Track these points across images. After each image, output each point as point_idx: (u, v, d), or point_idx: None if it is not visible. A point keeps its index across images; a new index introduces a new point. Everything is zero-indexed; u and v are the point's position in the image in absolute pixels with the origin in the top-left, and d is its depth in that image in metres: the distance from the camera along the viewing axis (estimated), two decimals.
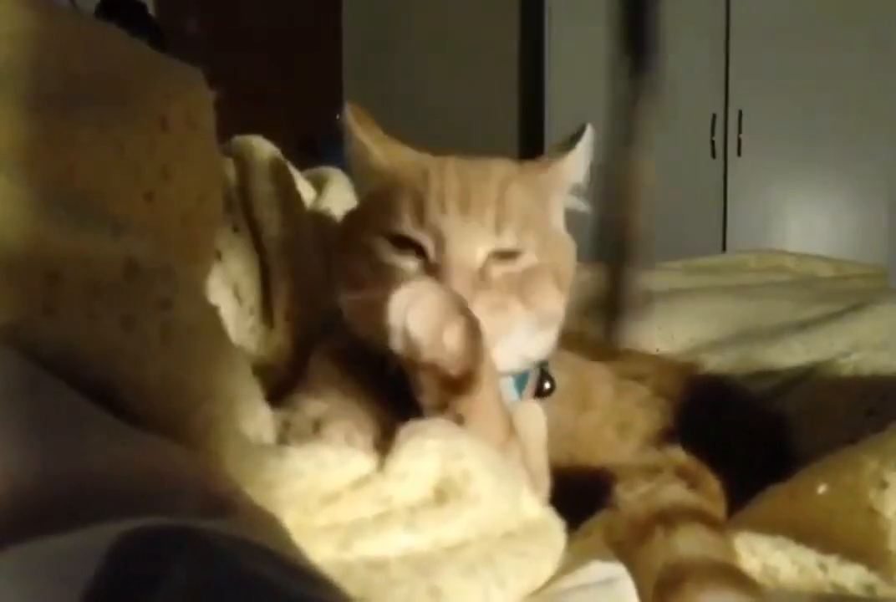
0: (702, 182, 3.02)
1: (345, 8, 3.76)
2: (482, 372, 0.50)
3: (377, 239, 0.59)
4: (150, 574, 0.23)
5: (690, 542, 0.42)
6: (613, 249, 0.38)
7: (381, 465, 0.41)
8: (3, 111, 0.40)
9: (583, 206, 0.66)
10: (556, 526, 0.44)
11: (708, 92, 3.00)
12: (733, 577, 0.41)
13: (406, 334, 0.47)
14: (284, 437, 0.46)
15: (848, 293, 1.10)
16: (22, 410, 0.30)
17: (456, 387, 0.49)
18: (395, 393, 0.54)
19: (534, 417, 0.59)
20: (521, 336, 0.58)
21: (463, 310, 0.49)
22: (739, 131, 2.98)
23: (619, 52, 0.36)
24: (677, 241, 2.75)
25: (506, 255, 0.58)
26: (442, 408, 0.50)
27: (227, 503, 0.31)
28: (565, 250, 0.64)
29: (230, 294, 0.66)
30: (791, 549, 0.43)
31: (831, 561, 0.42)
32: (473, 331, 0.50)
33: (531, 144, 3.33)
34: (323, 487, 0.39)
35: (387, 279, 0.56)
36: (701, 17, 2.98)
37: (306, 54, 3.58)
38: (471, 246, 0.57)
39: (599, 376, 0.68)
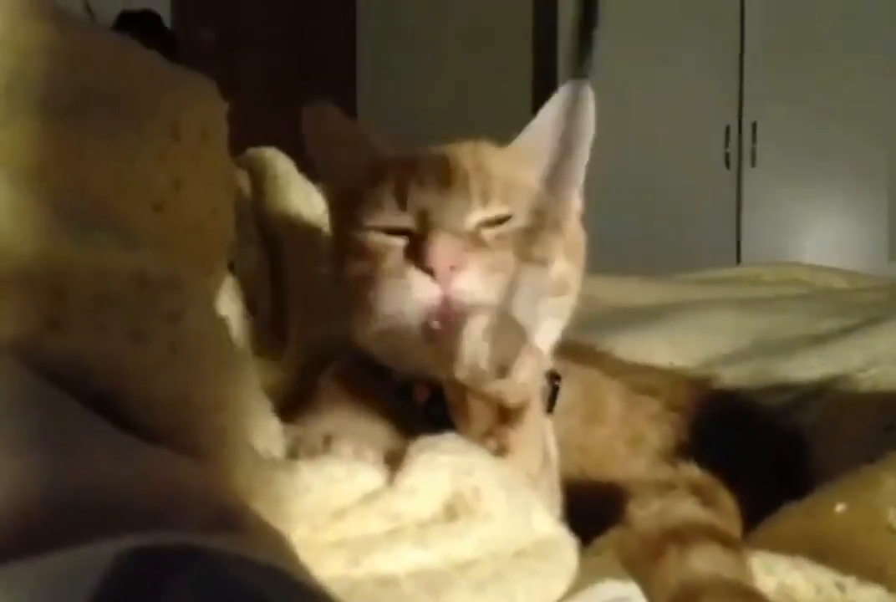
0: (716, 193, 3.02)
1: (359, 15, 3.77)
2: (535, 401, 0.49)
3: (367, 234, 0.57)
4: (151, 592, 0.22)
5: (705, 561, 0.41)
6: None
7: (390, 480, 0.40)
8: (16, 123, 0.40)
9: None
10: (568, 543, 0.43)
11: (722, 103, 2.99)
12: (748, 596, 0.40)
13: (475, 364, 0.45)
14: (294, 451, 0.46)
15: (863, 306, 1.09)
16: (25, 423, 0.29)
17: (507, 416, 0.48)
18: (404, 413, 0.54)
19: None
20: (527, 298, 0.53)
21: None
22: (754, 142, 2.98)
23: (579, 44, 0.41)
24: (691, 252, 2.75)
25: (495, 222, 0.56)
26: (485, 436, 0.49)
27: (233, 518, 0.30)
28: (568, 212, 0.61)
29: (241, 307, 0.66)
30: (808, 568, 0.43)
31: (849, 581, 0.41)
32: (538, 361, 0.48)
33: None
34: (332, 503, 0.38)
35: (377, 264, 0.54)
36: (715, 28, 2.98)
37: (321, 62, 3.60)
38: (456, 215, 0.55)
39: (611, 390, 0.67)
